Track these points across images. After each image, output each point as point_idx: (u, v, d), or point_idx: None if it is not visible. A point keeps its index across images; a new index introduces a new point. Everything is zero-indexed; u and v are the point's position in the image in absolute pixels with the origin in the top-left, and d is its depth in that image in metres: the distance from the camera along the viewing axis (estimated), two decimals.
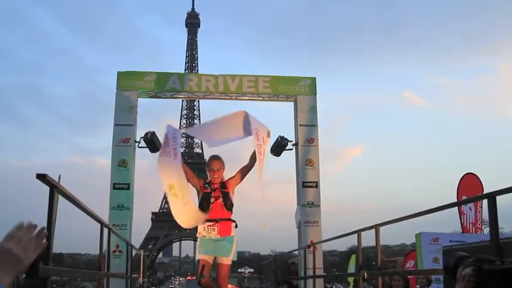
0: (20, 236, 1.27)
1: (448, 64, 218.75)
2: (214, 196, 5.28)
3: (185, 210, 5.04)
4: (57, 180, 10.85)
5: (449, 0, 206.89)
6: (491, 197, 3.63)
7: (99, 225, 5.15)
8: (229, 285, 5.87)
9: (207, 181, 5.43)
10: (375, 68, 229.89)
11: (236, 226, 5.39)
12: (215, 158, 5.48)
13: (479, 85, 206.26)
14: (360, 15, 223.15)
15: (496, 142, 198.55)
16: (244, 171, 5.58)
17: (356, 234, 6.27)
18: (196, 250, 5.32)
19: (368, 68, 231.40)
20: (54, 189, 3.34)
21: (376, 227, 5.63)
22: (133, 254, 10.99)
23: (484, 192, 13.67)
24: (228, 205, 5.31)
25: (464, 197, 13.82)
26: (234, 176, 5.52)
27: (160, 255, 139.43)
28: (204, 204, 5.24)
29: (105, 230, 5.51)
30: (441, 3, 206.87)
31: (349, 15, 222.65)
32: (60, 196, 3.55)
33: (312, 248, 9.74)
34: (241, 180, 5.56)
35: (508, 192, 3.63)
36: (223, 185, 5.39)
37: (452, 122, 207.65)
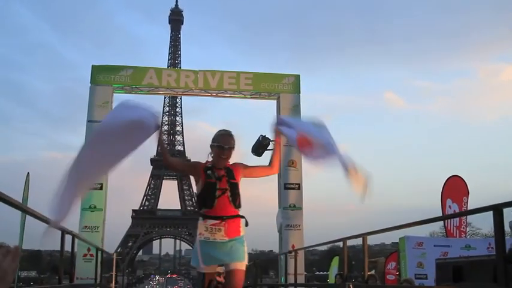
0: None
1: (428, 66, 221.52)
2: (221, 188, 3.98)
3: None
4: (25, 177, 10.10)
5: (430, 3, 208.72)
6: (497, 209, 3.22)
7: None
8: None
9: (209, 166, 4.06)
10: (357, 68, 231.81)
11: (247, 224, 4.12)
12: (229, 134, 4.10)
13: (458, 87, 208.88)
14: (343, 15, 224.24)
15: (476, 143, 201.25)
16: (262, 174, 4.35)
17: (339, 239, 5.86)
18: (199, 257, 3.99)
19: (350, 68, 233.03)
20: None
21: (364, 236, 5.21)
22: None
23: (468, 194, 13.52)
24: (237, 202, 4.03)
25: (448, 200, 13.59)
26: (248, 167, 4.22)
27: (140, 253, 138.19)
28: (207, 198, 3.98)
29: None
30: (422, 6, 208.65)
31: (332, 15, 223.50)
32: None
33: (293, 253, 9.32)
34: (250, 177, 4.31)
35: None
36: (230, 172, 4.06)
37: (432, 123, 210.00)
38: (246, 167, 4.18)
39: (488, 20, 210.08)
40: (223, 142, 4.03)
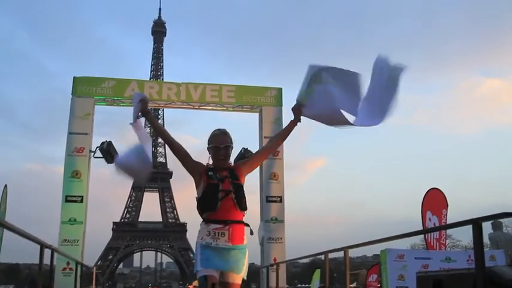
0: None
1: (408, 78, 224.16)
2: (224, 190, 3.69)
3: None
4: (2, 189, 9.88)
5: (409, 15, 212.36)
6: (476, 223, 3.27)
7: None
8: None
9: (210, 166, 3.80)
10: None
11: (251, 233, 3.87)
12: (223, 132, 3.87)
13: (439, 100, 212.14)
14: (324, 27, 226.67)
15: (456, 156, 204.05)
16: (264, 154, 4.19)
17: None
18: (197, 261, 3.70)
19: None
20: None
21: (345, 249, 5.23)
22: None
23: (447, 207, 13.67)
24: (243, 204, 3.75)
25: (428, 212, 13.72)
26: (246, 161, 3.99)
27: (120, 266, 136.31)
28: (210, 201, 3.69)
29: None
30: (403, 20, 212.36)
31: (313, 28, 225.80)
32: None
33: (275, 266, 9.31)
34: (255, 167, 4.03)
35: (493, 219, 3.29)
36: (233, 173, 3.79)
37: (413, 135, 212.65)
38: (245, 162, 3.96)
39: (469, 33, 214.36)
40: (218, 142, 3.80)
